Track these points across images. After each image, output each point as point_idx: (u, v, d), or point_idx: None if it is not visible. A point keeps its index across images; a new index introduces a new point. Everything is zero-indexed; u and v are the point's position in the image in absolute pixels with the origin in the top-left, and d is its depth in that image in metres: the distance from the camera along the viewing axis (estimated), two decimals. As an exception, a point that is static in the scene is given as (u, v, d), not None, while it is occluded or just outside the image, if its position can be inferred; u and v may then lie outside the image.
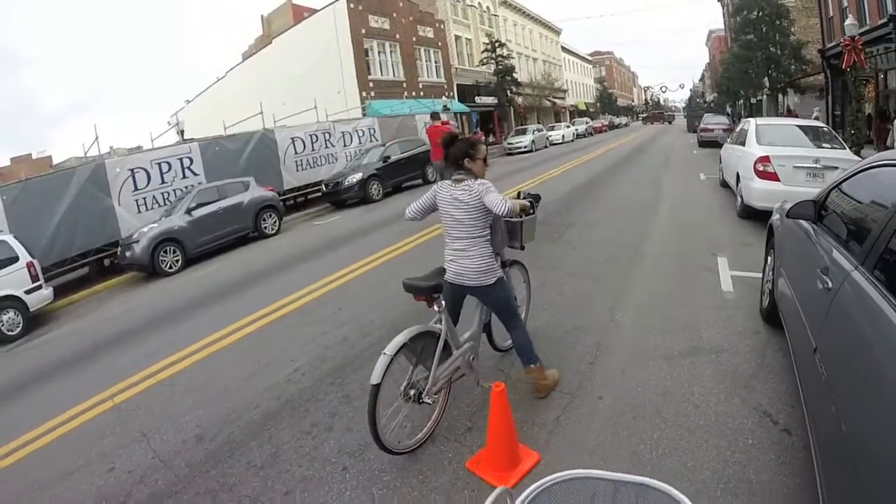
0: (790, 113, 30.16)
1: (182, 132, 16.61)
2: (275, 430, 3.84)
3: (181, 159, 14.53)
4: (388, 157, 17.94)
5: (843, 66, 17.03)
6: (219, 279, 9.44)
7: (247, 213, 13.18)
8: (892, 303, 1.93)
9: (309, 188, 18.62)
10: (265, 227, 13.49)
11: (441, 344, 3.44)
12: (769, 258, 4.85)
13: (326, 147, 19.31)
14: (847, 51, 16.17)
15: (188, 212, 11.98)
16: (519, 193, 4.06)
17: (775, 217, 4.82)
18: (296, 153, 18.12)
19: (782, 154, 8.43)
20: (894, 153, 2.83)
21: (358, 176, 16.49)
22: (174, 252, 11.29)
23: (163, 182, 13.99)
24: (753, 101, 42.86)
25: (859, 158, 8.36)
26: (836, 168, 7.80)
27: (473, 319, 3.90)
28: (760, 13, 30.67)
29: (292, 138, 18.03)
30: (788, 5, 31.62)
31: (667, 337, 4.61)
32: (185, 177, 14.50)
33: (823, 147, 8.86)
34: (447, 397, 3.66)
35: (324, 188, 17.53)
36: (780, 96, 35.18)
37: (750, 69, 32.76)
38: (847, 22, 16.97)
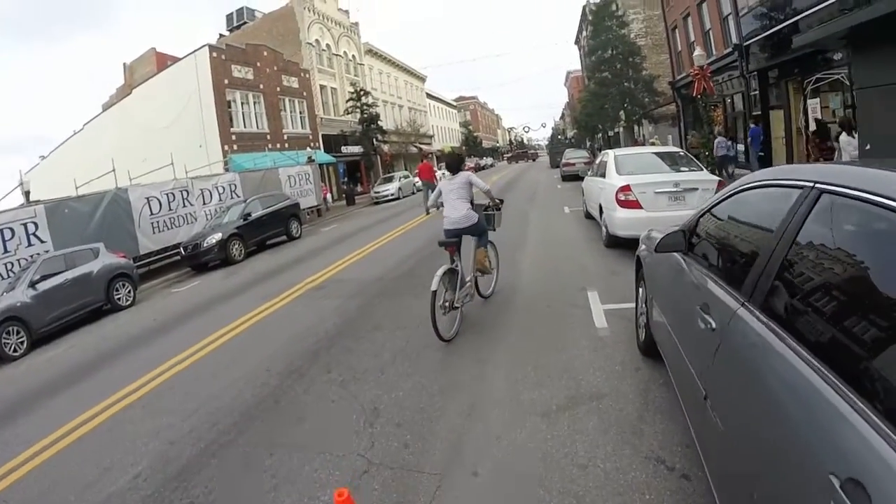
0: (636, 143, 33.32)
1: (27, 193, 15.31)
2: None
3: (25, 224, 13.16)
4: (250, 214, 17.36)
5: (694, 94, 18.60)
6: (68, 362, 8.52)
7: (97, 284, 11.97)
8: (793, 346, 1.67)
9: (167, 251, 17.47)
10: (119, 298, 12.30)
11: (459, 276, 6.14)
12: (640, 290, 4.71)
13: (185, 206, 18.33)
14: (697, 79, 17.74)
15: (32, 285, 10.69)
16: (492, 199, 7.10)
17: (642, 248, 4.70)
18: (151, 214, 17.06)
19: (642, 181, 8.64)
20: (764, 172, 2.67)
21: (217, 236, 15.72)
22: (18, 333, 9.90)
23: (5, 251, 12.61)
24: (611, 133, 45.60)
25: (717, 178, 8.73)
26: (697, 189, 8.12)
27: (470, 264, 6.66)
28: (614, 52, 33.30)
29: (147, 198, 16.96)
30: (640, 43, 34.81)
31: (543, 389, 4.36)
32: (30, 244, 13.15)
33: (682, 171, 9.16)
34: (463, 312, 6.29)
35: (182, 251, 16.46)
36: (636, 127, 37.89)
37: (606, 104, 35.00)
38: (696, 53, 18.73)
